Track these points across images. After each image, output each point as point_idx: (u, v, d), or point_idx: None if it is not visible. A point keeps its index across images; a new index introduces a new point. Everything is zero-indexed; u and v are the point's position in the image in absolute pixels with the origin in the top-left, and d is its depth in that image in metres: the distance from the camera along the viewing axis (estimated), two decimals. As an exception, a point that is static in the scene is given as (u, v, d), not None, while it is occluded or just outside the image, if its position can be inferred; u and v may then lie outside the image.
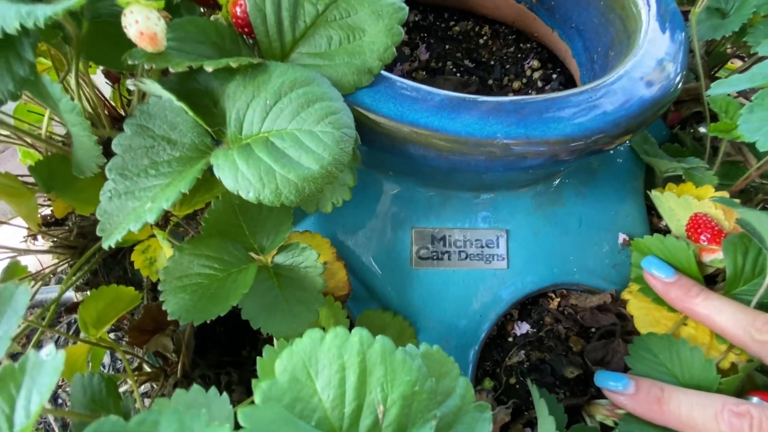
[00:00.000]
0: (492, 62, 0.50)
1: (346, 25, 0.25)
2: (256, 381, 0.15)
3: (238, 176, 0.21)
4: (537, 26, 0.48)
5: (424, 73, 0.50)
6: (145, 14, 0.20)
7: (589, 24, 0.40)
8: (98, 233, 0.22)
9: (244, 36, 0.25)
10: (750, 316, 0.25)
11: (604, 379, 0.27)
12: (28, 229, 0.41)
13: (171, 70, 0.21)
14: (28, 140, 0.33)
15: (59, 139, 0.37)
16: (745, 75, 0.28)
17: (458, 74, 0.49)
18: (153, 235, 0.34)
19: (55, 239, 0.37)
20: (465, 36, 0.53)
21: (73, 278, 0.35)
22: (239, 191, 0.21)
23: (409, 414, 0.15)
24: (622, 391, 0.26)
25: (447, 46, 0.52)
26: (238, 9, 0.24)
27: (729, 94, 0.35)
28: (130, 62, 0.21)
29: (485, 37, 0.52)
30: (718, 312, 0.26)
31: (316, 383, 0.15)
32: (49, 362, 0.14)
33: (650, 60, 0.28)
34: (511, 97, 0.25)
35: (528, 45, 0.51)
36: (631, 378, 0.26)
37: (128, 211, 0.22)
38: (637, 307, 0.29)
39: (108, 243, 0.21)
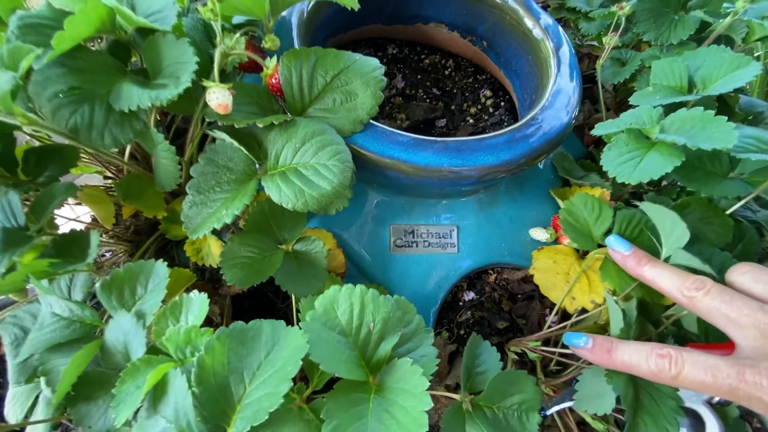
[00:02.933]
0: (455, 90, 0.63)
1: (345, 90, 0.37)
2: (303, 314, 0.28)
3: (281, 193, 0.32)
4: (488, 64, 0.61)
5: (400, 98, 0.62)
6: (222, 93, 0.31)
7: (522, 71, 0.53)
8: (184, 229, 0.34)
9: (276, 97, 0.37)
10: (682, 278, 0.30)
11: (569, 338, 0.33)
12: (92, 224, 0.51)
13: (236, 126, 0.33)
14: (110, 162, 0.43)
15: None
16: (615, 121, 0.42)
17: (428, 100, 0.62)
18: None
19: (115, 235, 0.48)
20: (433, 67, 0.65)
21: (135, 263, 0.46)
22: (282, 203, 0.33)
23: (386, 328, 0.28)
24: (583, 347, 0.31)
25: (419, 76, 0.64)
26: (273, 80, 0.36)
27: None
28: (208, 120, 0.33)
29: (449, 69, 0.65)
30: (660, 277, 0.31)
31: (337, 312, 0.27)
32: (196, 300, 0.26)
33: (552, 111, 0.42)
34: (455, 138, 0.38)
35: (483, 77, 0.64)
36: (589, 336, 0.32)
37: (204, 215, 0.34)
38: (539, 277, 0.42)
39: (195, 235, 0.33)
